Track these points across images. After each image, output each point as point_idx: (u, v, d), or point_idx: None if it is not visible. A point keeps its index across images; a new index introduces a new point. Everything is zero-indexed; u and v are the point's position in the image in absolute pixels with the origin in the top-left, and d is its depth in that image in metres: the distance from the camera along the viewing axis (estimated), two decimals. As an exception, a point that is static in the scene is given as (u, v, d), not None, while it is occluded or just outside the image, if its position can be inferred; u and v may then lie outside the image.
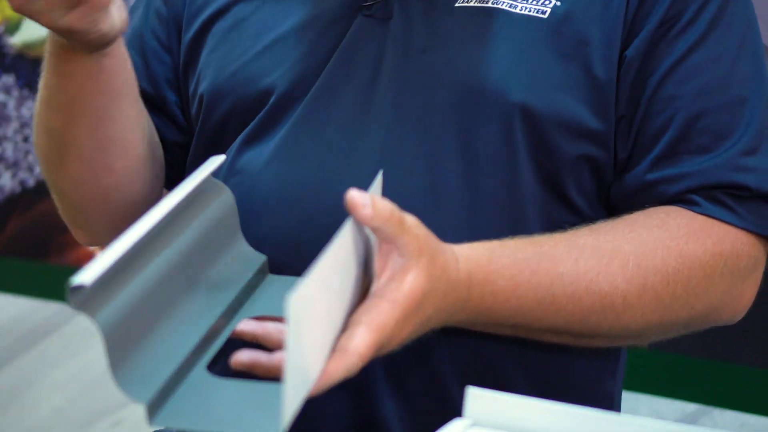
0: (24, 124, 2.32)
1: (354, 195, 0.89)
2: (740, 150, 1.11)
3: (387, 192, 0.98)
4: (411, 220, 0.93)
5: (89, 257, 2.25)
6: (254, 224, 1.12)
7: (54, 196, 1.24)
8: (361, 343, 0.87)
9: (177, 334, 0.93)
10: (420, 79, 1.12)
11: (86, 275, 0.84)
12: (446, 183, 1.11)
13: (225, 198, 1.07)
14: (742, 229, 1.11)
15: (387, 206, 0.90)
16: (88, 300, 0.85)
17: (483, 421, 0.91)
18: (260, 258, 1.07)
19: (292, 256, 1.09)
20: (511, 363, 1.13)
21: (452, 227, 1.10)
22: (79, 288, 0.84)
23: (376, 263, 0.91)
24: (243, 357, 0.93)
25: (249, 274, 1.05)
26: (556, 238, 1.07)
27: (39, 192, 2.26)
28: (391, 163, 1.11)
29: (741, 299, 1.14)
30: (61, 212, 1.25)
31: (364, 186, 0.94)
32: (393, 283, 0.91)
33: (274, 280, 1.07)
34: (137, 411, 0.81)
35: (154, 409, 0.86)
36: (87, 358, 2.27)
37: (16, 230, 2.32)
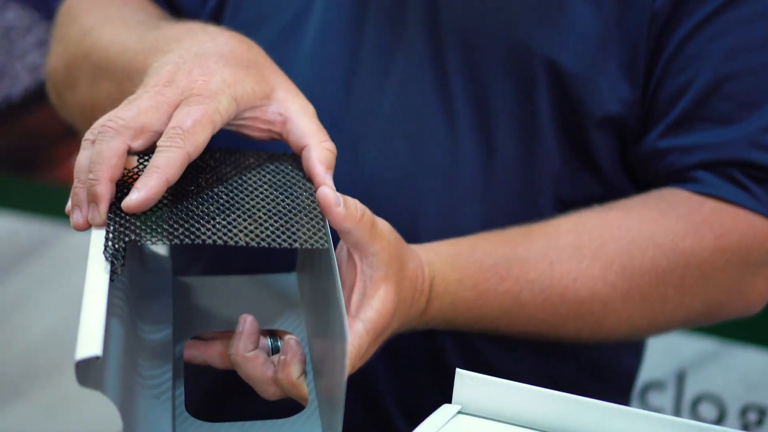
0: (9, 28, 2.21)
1: (327, 193, 0.82)
2: (765, 124, 0.99)
3: (403, 137, 1.00)
4: (382, 224, 0.86)
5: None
6: None
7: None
8: None
9: (147, 389, 0.85)
10: (426, 17, 1.02)
11: (90, 345, 0.70)
12: (461, 136, 1.02)
13: None
14: (758, 213, 0.99)
15: (359, 207, 0.83)
16: (98, 373, 0.71)
17: (471, 407, 0.85)
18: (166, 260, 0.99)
19: None
20: (523, 343, 1.06)
21: (467, 183, 1.03)
22: (90, 361, 0.70)
23: (345, 273, 0.86)
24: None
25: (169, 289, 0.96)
26: (533, 236, 0.98)
27: (26, 105, 2.18)
28: (407, 106, 1.03)
29: (751, 293, 1.02)
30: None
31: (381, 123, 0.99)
32: (366, 300, 0.85)
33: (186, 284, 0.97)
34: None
35: None
36: (78, 277, 2.21)
37: (2, 145, 2.26)
